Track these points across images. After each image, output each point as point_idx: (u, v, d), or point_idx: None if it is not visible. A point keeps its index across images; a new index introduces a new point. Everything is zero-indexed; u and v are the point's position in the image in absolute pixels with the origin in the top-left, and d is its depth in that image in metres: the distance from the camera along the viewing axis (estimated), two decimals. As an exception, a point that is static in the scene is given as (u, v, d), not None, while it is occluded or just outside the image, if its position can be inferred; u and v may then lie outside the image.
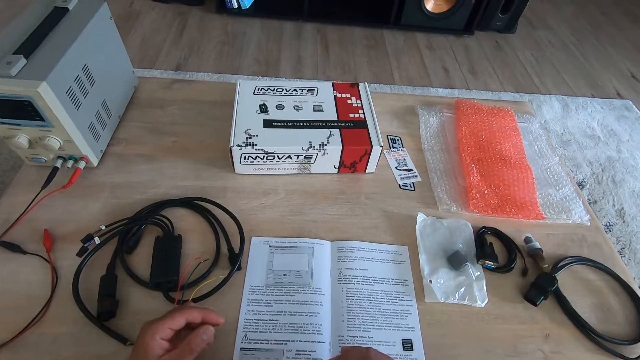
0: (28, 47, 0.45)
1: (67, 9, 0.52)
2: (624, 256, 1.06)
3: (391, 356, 0.42)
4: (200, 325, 0.38)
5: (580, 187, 1.23)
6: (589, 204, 1.17)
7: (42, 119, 0.46)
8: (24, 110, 0.44)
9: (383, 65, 1.66)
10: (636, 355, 0.44)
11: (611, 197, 1.20)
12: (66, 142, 0.49)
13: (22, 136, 0.48)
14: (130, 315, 0.43)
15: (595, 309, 0.49)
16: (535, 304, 0.47)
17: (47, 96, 0.43)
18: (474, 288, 0.48)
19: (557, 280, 0.48)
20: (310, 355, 0.42)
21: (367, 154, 0.56)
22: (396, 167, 0.62)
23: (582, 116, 1.50)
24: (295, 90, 0.62)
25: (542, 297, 0.47)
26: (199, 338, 0.36)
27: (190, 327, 0.39)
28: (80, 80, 0.49)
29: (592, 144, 1.39)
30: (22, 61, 0.43)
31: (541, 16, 2.11)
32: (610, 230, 1.11)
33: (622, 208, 1.17)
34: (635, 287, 0.51)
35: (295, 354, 0.41)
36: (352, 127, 0.57)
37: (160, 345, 0.35)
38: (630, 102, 1.62)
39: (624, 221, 1.14)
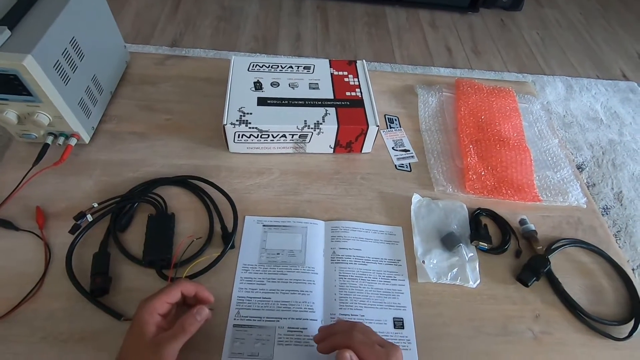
0: (12, 18, 0.44)
1: (52, -22, 0.50)
2: (620, 239, 1.06)
3: (382, 334, 0.43)
4: (194, 303, 0.38)
5: (580, 170, 1.22)
6: (588, 187, 1.17)
7: (29, 94, 0.44)
8: (11, 85, 0.43)
9: (384, 43, 1.61)
10: (624, 336, 0.45)
11: (610, 180, 1.20)
12: (56, 118, 0.48)
13: (10, 111, 0.47)
14: (123, 292, 0.43)
15: (587, 290, 0.49)
16: (527, 285, 0.48)
17: (33, 70, 0.42)
18: (467, 269, 0.48)
19: (550, 262, 0.48)
20: (302, 332, 0.42)
21: (363, 133, 0.55)
22: (393, 148, 0.61)
23: (586, 98, 1.48)
24: (290, 67, 0.60)
25: (534, 278, 0.48)
26: (192, 318, 0.36)
27: (185, 303, 0.39)
28: (68, 54, 0.48)
29: (594, 127, 1.37)
30: (7, 33, 0.42)
31: (549, -7, 2.04)
32: (607, 213, 1.12)
33: (621, 191, 1.17)
34: (627, 269, 0.51)
35: (287, 331, 0.42)
36: (348, 105, 0.56)
37: (158, 323, 0.35)
38: (636, 85, 1.59)
39: (621, 204, 1.14)
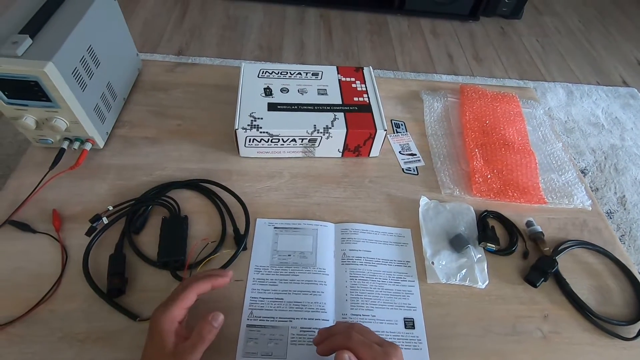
0: (33, 27, 0.45)
1: (70, -11, 0.52)
2: (624, 243, 1.07)
3: (393, 334, 0.44)
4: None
5: (583, 174, 1.23)
6: (591, 191, 1.17)
7: (48, 100, 0.46)
8: (31, 91, 0.44)
9: (387, 51, 1.64)
10: (632, 335, 0.45)
11: (613, 184, 1.21)
12: (72, 124, 0.50)
13: (29, 117, 0.48)
14: (139, 293, 0.44)
15: (594, 291, 0.50)
16: (535, 286, 0.48)
17: (53, 76, 0.43)
18: (475, 270, 0.49)
19: (557, 263, 0.49)
20: (315, 332, 0.43)
21: (371, 137, 0.57)
22: (400, 152, 0.62)
23: (587, 104, 1.49)
24: (299, 73, 0.62)
25: (542, 279, 0.48)
26: (209, 326, 0.36)
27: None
28: (85, 61, 0.49)
29: (595, 132, 1.38)
30: (28, 41, 0.43)
31: (548, 2, 2.07)
32: (611, 218, 1.12)
33: (624, 196, 1.18)
34: (634, 270, 0.51)
35: (300, 331, 0.43)
36: (356, 110, 0.57)
37: (176, 330, 0.35)
38: (636, 90, 1.61)
39: (625, 209, 1.14)
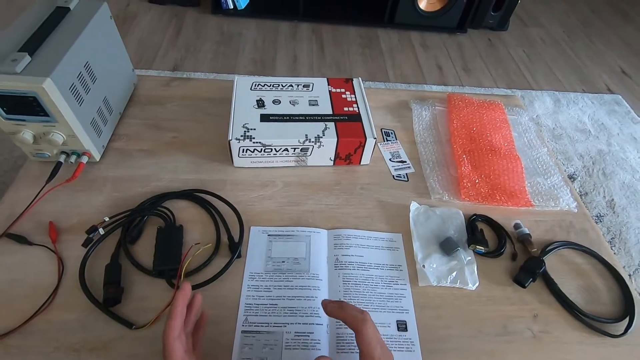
0: (32, 45, 0.47)
1: (68, 9, 0.54)
2: (614, 246, 1.09)
3: (386, 337, 0.44)
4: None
5: (572, 179, 1.26)
6: (580, 195, 1.20)
7: (46, 115, 0.47)
8: (29, 106, 0.46)
9: (378, 63, 1.68)
10: (620, 333, 0.47)
11: (602, 189, 1.23)
12: (69, 137, 0.51)
13: (27, 132, 0.49)
14: (134, 302, 0.44)
15: (582, 290, 0.51)
16: (524, 286, 0.49)
17: (51, 92, 0.44)
18: (465, 272, 0.50)
19: (545, 263, 0.50)
20: (309, 336, 0.43)
21: (362, 146, 0.58)
22: (390, 159, 0.64)
23: (573, 111, 1.53)
24: (291, 85, 0.64)
25: (531, 280, 0.49)
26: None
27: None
28: (82, 77, 0.51)
29: (583, 138, 1.41)
30: (27, 58, 0.45)
31: (533, 14, 2.14)
32: (600, 221, 1.14)
33: (613, 199, 1.20)
34: (620, 269, 0.53)
35: (295, 335, 0.43)
36: (346, 120, 0.59)
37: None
38: (620, 97, 1.65)
39: (614, 212, 1.16)
